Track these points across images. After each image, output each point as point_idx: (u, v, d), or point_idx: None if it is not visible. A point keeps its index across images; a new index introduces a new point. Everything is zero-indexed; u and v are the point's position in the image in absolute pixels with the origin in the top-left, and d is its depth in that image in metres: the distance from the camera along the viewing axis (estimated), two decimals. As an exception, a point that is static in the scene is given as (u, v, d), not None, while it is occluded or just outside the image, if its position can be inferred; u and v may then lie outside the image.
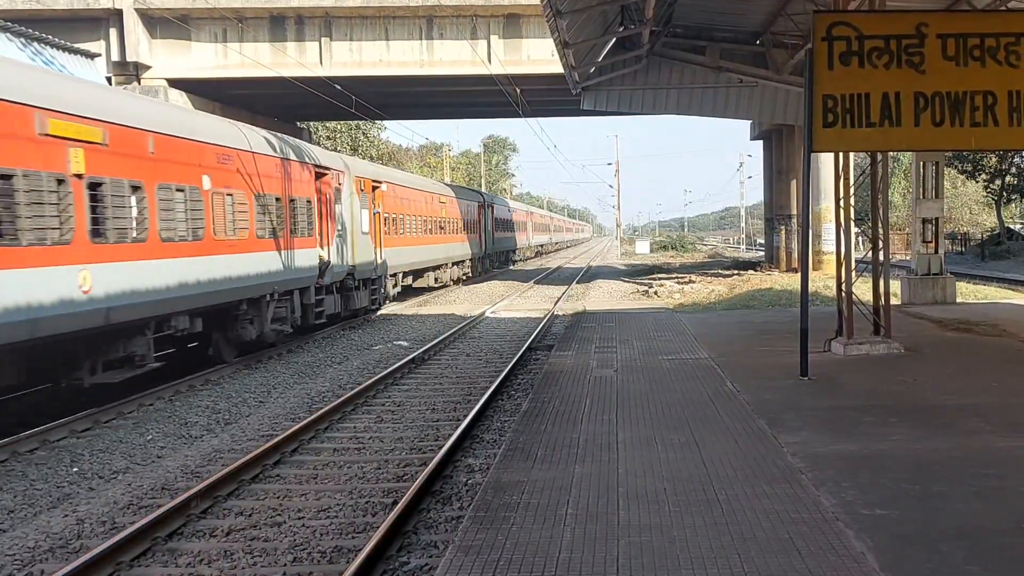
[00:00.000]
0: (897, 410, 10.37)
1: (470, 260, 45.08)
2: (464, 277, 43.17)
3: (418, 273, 34.69)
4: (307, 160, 21.55)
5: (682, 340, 17.12)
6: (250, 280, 17.83)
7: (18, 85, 11.48)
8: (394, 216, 29.89)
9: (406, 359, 17.17)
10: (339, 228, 23.24)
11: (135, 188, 13.72)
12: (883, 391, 11.58)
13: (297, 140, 23.28)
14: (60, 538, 8.14)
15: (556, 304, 29.13)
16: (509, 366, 16.01)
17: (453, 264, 40.93)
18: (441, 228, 38.55)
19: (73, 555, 7.66)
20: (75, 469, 10.59)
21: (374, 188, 27.34)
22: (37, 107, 11.64)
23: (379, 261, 26.90)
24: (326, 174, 22.58)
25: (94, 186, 12.69)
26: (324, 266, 21.77)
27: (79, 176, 12.32)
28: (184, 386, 15.32)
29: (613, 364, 14.42)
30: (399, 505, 8.20)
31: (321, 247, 21.89)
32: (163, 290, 14.41)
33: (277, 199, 19.39)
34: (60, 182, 11.88)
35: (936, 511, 6.84)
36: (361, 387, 14.39)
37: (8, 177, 11.00)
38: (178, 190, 15.08)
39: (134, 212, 13.77)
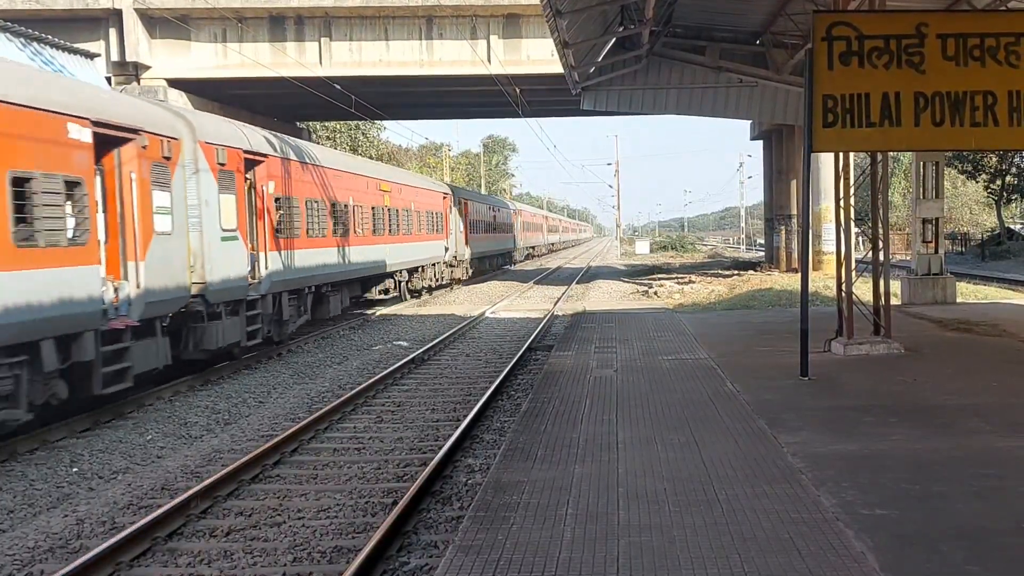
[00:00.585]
0: (897, 410, 10.36)
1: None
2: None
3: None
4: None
5: (682, 340, 17.11)
6: None
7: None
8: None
9: (406, 359, 17.16)
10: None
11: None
12: (883, 391, 11.57)
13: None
14: (60, 538, 8.13)
15: (556, 304, 29.12)
16: (509, 366, 16.00)
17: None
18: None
19: (73, 555, 7.66)
20: (75, 469, 10.58)
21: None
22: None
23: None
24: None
25: None
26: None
27: None
28: (183, 386, 15.30)
29: (613, 364, 14.41)
30: (399, 505, 8.20)
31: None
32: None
33: None
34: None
35: (936, 511, 6.83)
36: (361, 387, 14.38)
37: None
38: None
39: None
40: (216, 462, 10.66)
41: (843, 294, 14.50)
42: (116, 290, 13.16)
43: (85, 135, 12.35)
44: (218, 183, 16.30)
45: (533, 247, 79.67)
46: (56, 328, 11.61)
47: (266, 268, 18.55)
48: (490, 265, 50.83)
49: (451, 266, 38.78)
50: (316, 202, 21.92)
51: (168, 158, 14.66)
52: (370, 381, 14.93)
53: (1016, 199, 62.58)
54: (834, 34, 12.34)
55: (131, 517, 8.62)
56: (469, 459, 10.39)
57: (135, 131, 13.61)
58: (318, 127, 60.57)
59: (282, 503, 8.99)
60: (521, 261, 66.88)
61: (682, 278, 39.04)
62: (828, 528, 6.50)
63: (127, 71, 34.55)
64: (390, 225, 29.11)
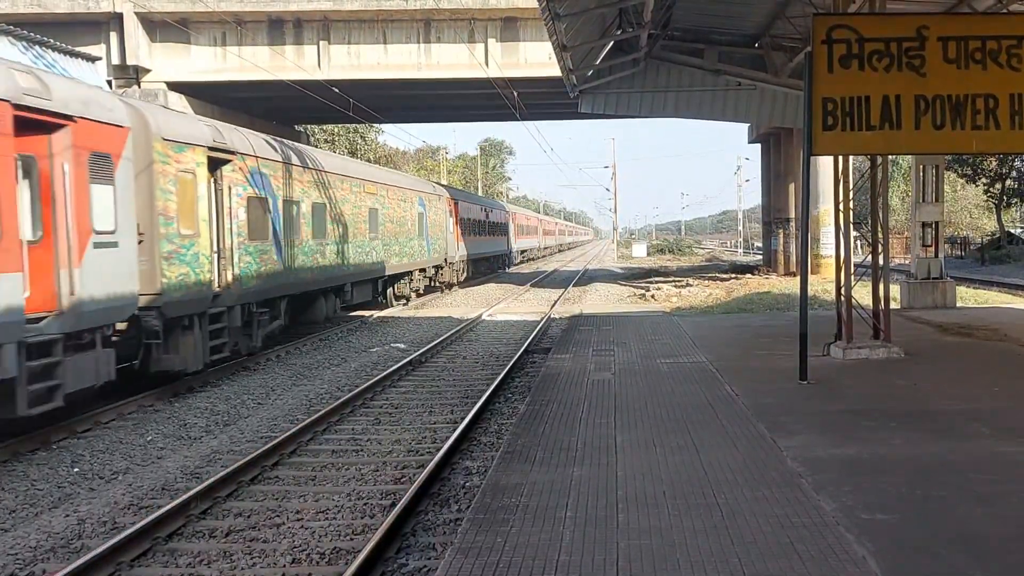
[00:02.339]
0: (897, 414, 10.34)
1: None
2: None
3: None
4: None
5: (680, 344, 17.09)
6: None
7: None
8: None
9: (403, 361, 17.13)
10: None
11: None
12: (883, 395, 11.55)
13: None
14: (61, 538, 8.14)
15: (553, 307, 29.08)
16: (506, 369, 15.97)
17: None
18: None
19: (74, 555, 7.66)
20: (76, 469, 10.57)
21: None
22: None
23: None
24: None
25: None
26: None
27: None
28: (183, 387, 15.28)
29: (611, 367, 14.39)
30: (397, 507, 8.17)
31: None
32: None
33: None
34: None
35: (937, 516, 6.81)
36: (359, 389, 14.35)
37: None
38: None
39: None
40: (215, 463, 10.65)
41: (842, 298, 14.49)
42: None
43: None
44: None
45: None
46: None
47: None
48: (486, 268, 50.65)
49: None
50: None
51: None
52: (368, 383, 14.90)
53: (1016, 203, 62.61)
54: (834, 37, 12.33)
55: (132, 517, 8.62)
56: (467, 461, 10.35)
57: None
58: (316, 130, 60.56)
59: (281, 504, 8.97)
60: (517, 264, 66.82)
61: (679, 281, 39.01)
62: (829, 532, 6.47)
63: (128, 74, 34.61)
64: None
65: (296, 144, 23.90)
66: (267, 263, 18.83)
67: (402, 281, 31.65)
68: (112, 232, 12.89)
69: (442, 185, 45.33)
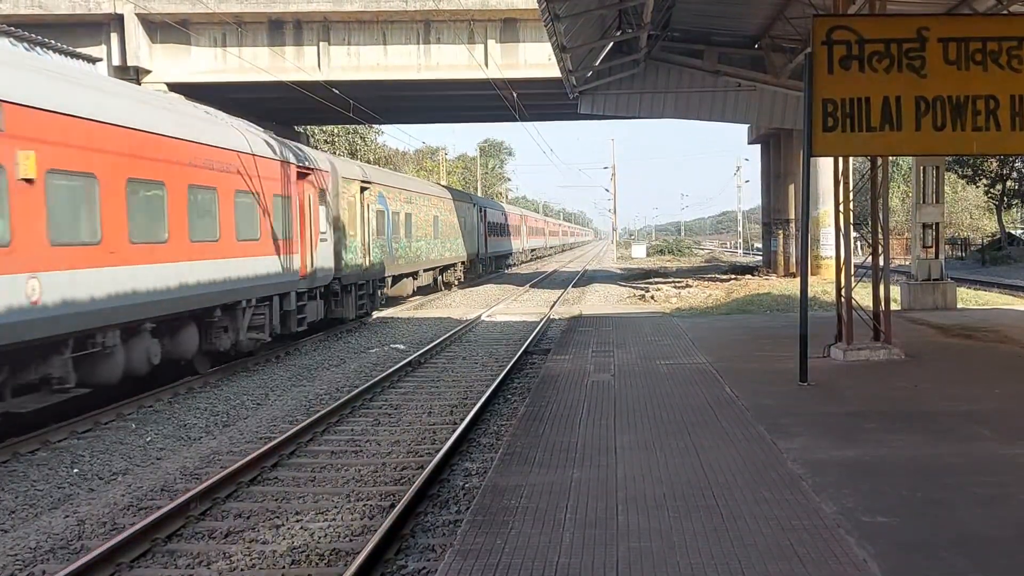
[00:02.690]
0: (898, 416, 10.32)
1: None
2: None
3: None
4: None
5: (679, 345, 17.07)
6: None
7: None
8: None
9: (403, 362, 17.11)
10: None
11: None
12: (884, 397, 11.53)
13: None
14: (61, 538, 8.14)
15: (552, 308, 29.06)
16: (505, 370, 15.94)
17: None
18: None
19: (74, 556, 7.67)
20: (76, 470, 10.58)
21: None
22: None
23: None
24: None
25: None
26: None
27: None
28: (183, 388, 15.27)
29: (610, 368, 14.37)
30: (397, 508, 8.15)
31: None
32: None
33: None
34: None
35: (938, 518, 6.78)
36: (358, 390, 14.35)
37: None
38: None
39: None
40: (215, 464, 10.65)
41: (842, 299, 14.46)
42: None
43: None
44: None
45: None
46: None
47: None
48: (484, 269, 50.93)
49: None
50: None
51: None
52: (367, 384, 14.89)
53: (1017, 204, 62.60)
54: (834, 38, 12.30)
55: (131, 518, 8.63)
56: (466, 463, 10.33)
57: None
58: (316, 131, 60.56)
59: (280, 505, 8.96)
60: (517, 265, 66.82)
61: (679, 282, 38.96)
62: (829, 535, 6.45)
63: (128, 75, 34.58)
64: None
65: (395, 173, 38.75)
66: (384, 253, 27.96)
67: (449, 271, 40.17)
68: (324, 233, 21.66)
69: (475, 196, 57.94)
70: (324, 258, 21.25)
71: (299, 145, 20.91)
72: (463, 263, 43.06)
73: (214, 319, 16.26)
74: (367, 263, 25.16)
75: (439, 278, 38.12)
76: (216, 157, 16.26)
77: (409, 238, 31.46)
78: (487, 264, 51.29)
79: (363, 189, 25.36)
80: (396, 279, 29.96)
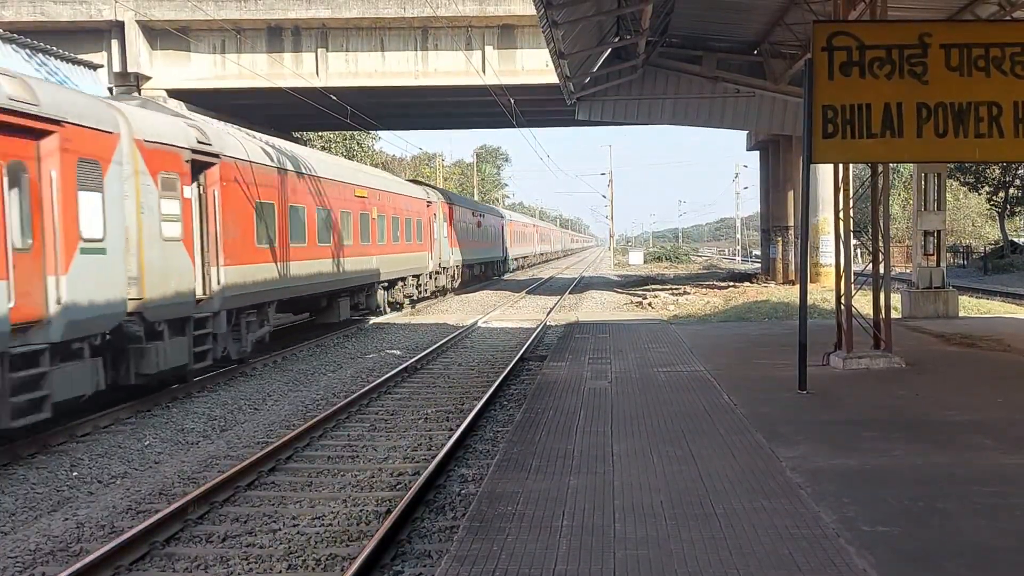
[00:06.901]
0: (898, 425, 10.24)
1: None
2: None
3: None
4: None
5: (677, 352, 16.99)
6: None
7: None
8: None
9: (399, 368, 17.05)
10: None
11: None
12: (884, 405, 11.44)
13: None
14: (60, 541, 8.15)
15: (548, 314, 29.01)
16: (502, 376, 15.87)
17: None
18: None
19: (73, 558, 7.67)
20: (75, 473, 10.58)
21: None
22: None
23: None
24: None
25: None
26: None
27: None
28: (181, 392, 15.21)
29: (607, 375, 14.30)
30: (393, 514, 8.10)
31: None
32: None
33: None
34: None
35: (939, 528, 6.71)
36: (355, 395, 14.29)
37: None
38: None
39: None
40: (212, 468, 10.63)
41: (842, 307, 14.39)
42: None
43: None
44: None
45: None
46: None
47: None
48: (480, 273, 50.85)
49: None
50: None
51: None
52: (364, 389, 14.83)
53: (1020, 212, 62.45)
54: (834, 44, 12.25)
55: (130, 521, 8.63)
56: (463, 469, 10.26)
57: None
58: (314, 137, 60.57)
59: (277, 510, 8.94)
60: (512, 271, 66.78)
61: (677, 289, 38.87)
62: (829, 544, 6.37)
63: (128, 82, 34.81)
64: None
65: (449, 191, 50.58)
66: (444, 254, 38.01)
67: (491, 266, 53.08)
68: (422, 243, 32.37)
69: (505, 208, 76.93)
70: (444, 253, 37.25)
71: (432, 185, 34.57)
72: (495, 262, 56.04)
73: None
74: (443, 261, 37.56)
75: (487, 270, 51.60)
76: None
77: (458, 245, 42.61)
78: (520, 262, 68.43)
79: (436, 207, 37.30)
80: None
